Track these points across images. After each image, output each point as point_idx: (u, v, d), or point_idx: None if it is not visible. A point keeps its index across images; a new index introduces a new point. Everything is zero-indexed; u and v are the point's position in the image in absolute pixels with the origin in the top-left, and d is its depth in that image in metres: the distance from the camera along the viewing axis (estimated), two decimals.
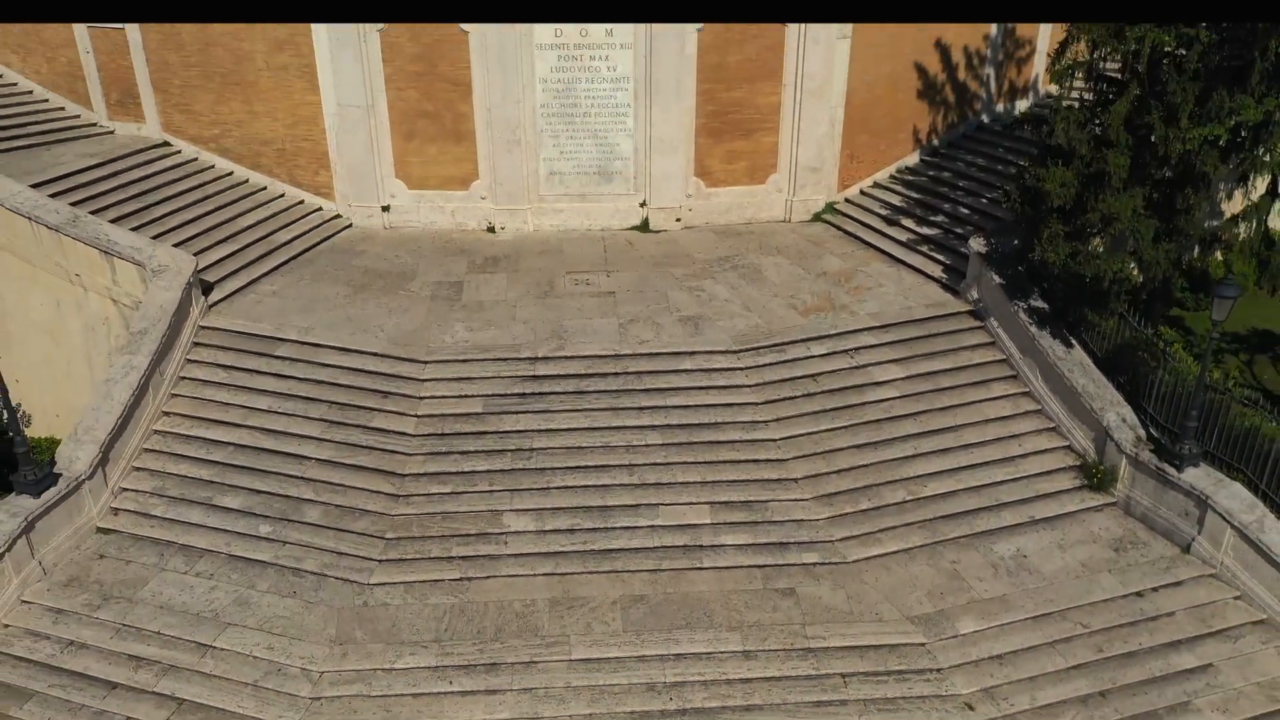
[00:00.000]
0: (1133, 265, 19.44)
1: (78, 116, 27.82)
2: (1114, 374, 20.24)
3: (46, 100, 27.96)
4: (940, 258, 24.45)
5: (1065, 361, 20.47)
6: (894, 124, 27.50)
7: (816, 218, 27.55)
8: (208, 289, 23.13)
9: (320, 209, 27.38)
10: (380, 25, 25.08)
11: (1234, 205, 23.63)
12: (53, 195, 23.74)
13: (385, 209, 27.20)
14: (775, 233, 27.02)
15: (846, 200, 27.80)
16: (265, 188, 27.36)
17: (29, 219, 22.00)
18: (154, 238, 23.75)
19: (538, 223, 27.17)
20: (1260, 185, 18.67)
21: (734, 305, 23.15)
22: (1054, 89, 27.03)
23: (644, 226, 27.22)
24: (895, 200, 27.00)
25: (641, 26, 25.02)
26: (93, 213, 23.65)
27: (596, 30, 25.19)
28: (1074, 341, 20.84)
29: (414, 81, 25.77)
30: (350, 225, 27.27)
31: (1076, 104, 20.06)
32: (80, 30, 26.62)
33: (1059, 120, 19.32)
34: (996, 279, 22.05)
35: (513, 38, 24.97)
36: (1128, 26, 17.83)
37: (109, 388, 19.78)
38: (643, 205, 27.15)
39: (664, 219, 27.14)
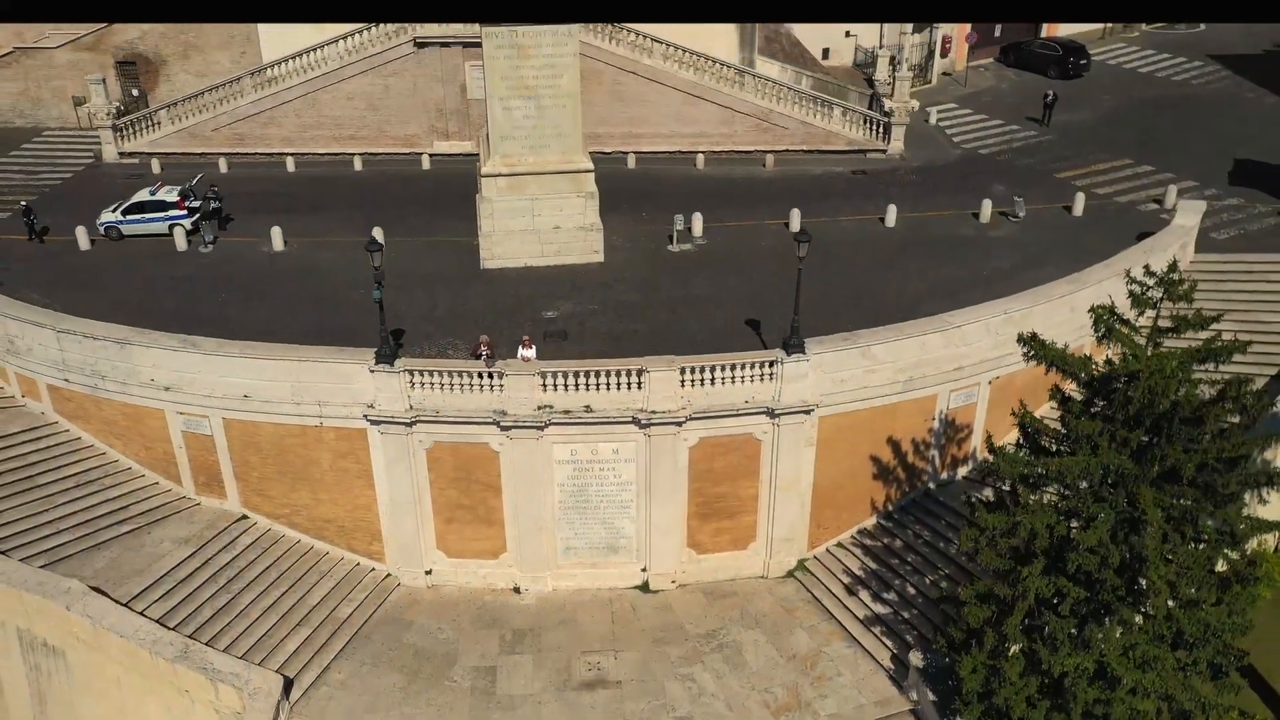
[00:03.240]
0: None
1: (169, 490, 33.09)
2: None
3: (143, 475, 33.23)
4: (890, 644, 29.67)
5: None
6: (854, 500, 32.78)
7: (790, 574, 32.79)
8: (288, 686, 28.34)
9: (374, 570, 32.69)
10: (427, 445, 30.43)
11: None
12: (159, 598, 29.21)
13: (428, 572, 32.47)
14: (755, 593, 32.23)
15: (815, 557, 33.05)
16: (328, 553, 32.67)
17: (150, 651, 27.24)
18: (243, 631, 29.21)
19: (556, 584, 32.42)
20: None
21: (719, 703, 28.38)
22: (989, 457, 32.42)
23: (644, 587, 32.46)
24: (855, 567, 32.22)
25: (643, 446, 30.33)
26: (191, 613, 29.15)
27: (605, 450, 30.51)
28: None
29: (453, 484, 31.10)
30: (399, 584, 32.55)
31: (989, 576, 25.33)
32: (175, 432, 31.93)
33: (970, 612, 24.60)
34: (930, 694, 27.30)
35: (537, 458, 30.28)
36: (1023, 570, 23.10)
37: None
38: (643, 570, 32.41)
39: (661, 581, 32.38)
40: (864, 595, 31.37)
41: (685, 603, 32.03)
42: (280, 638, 29.71)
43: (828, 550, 33.19)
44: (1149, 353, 21.81)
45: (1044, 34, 61.60)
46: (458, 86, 47.95)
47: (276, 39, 50.38)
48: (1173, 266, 21.94)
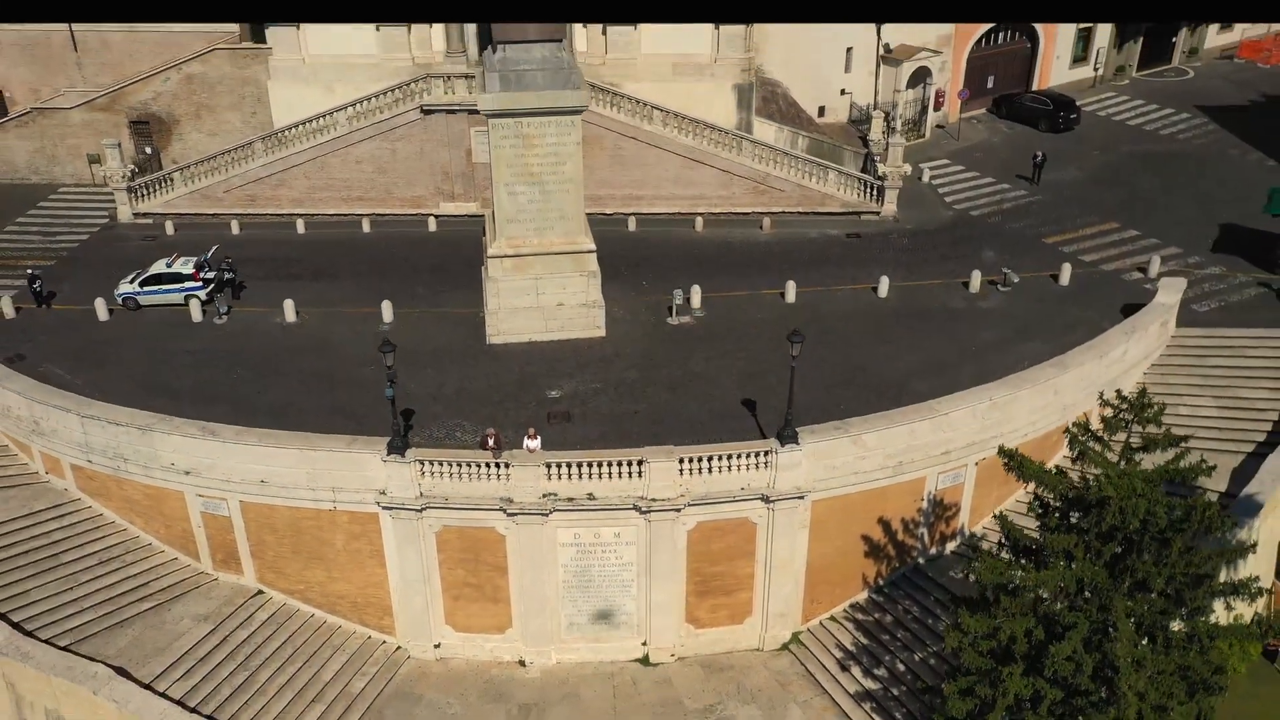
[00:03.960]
0: None
1: (188, 566, 34.42)
2: None
3: (163, 551, 34.57)
4: None
5: None
6: (846, 576, 34.11)
7: (784, 647, 34.12)
8: None
9: (385, 643, 34.03)
10: (437, 528, 31.77)
11: None
12: (180, 677, 30.56)
13: (437, 646, 33.80)
14: (751, 667, 33.55)
15: (809, 630, 34.38)
16: (340, 627, 34.01)
17: None
18: (260, 709, 30.61)
19: (560, 657, 33.74)
20: None
21: None
22: (977, 530, 34.07)
23: (645, 660, 33.78)
24: (847, 641, 33.55)
25: (643, 530, 31.66)
26: (210, 692, 30.53)
27: (607, 533, 31.85)
28: None
29: (462, 564, 32.45)
30: (409, 657, 33.87)
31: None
32: (194, 512, 33.27)
33: (952, 705, 25.91)
34: None
35: (542, 541, 31.61)
36: (1003, 670, 24.43)
37: None
38: (644, 644, 33.74)
39: (661, 654, 33.70)
40: (855, 671, 32.68)
41: (684, 676, 33.33)
42: (296, 715, 31.03)
43: (821, 624, 34.49)
44: (1121, 467, 23.19)
45: (1035, 87, 63.02)
46: (463, 151, 49.30)
47: (286, 99, 51.94)
48: (1142, 393, 23.26)
